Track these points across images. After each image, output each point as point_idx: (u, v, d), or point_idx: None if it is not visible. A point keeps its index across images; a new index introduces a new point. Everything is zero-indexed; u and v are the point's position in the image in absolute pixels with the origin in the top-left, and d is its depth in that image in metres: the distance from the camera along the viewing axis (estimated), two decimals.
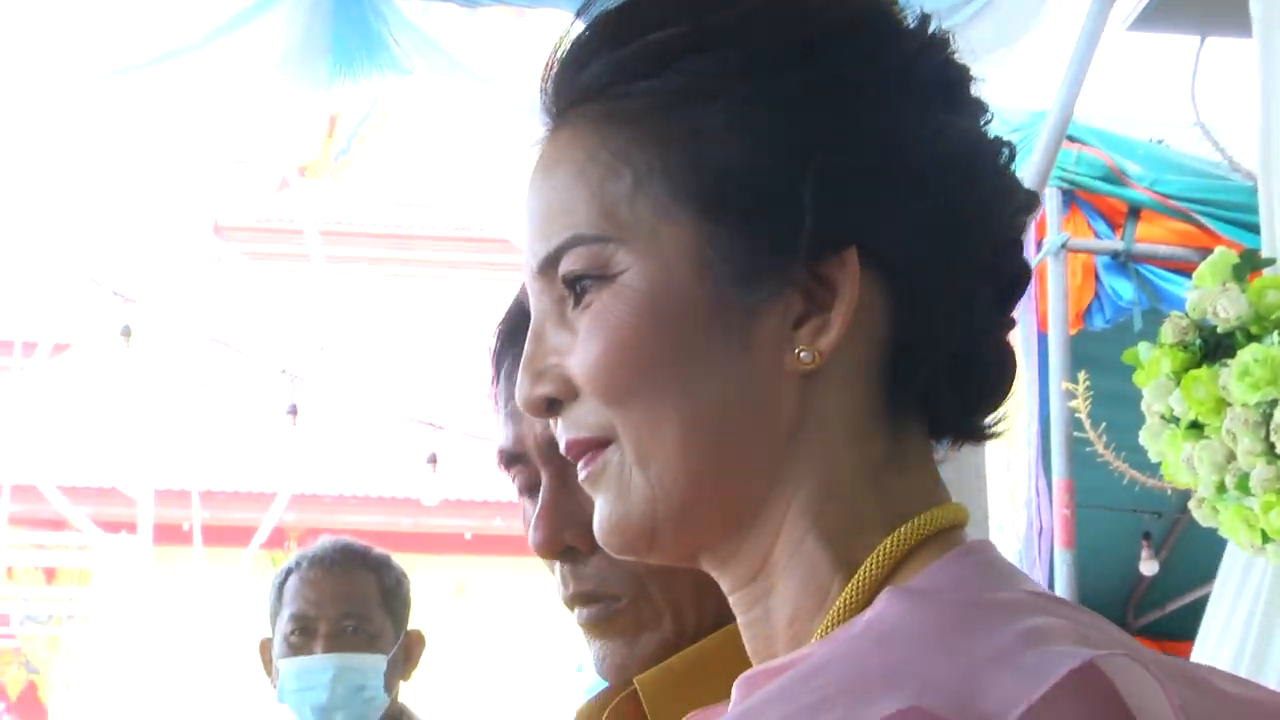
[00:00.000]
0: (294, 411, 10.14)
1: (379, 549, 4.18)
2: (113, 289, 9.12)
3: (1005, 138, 1.26)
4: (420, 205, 14.75)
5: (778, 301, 1.18)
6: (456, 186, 6.69)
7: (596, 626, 1.68)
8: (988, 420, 1.28)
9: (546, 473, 1.70)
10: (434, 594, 3.96)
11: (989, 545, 1.20)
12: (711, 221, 1.17)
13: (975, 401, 1.26)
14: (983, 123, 1.25)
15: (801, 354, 1.17)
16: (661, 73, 1.20)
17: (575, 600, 1.69)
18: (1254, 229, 5.42)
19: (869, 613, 1.11)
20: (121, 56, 5.97)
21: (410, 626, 4.11)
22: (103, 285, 9.20)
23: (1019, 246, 1.27)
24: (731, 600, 1.26)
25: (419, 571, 4.23)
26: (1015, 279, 1.26)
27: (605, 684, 1.76)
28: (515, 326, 1.74)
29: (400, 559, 4.18)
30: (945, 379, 1.23)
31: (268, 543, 12.59)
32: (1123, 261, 6.08)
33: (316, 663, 3.90)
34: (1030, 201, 1.27)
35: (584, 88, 1.22)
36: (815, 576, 1.19)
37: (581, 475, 1.23)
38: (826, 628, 1.16)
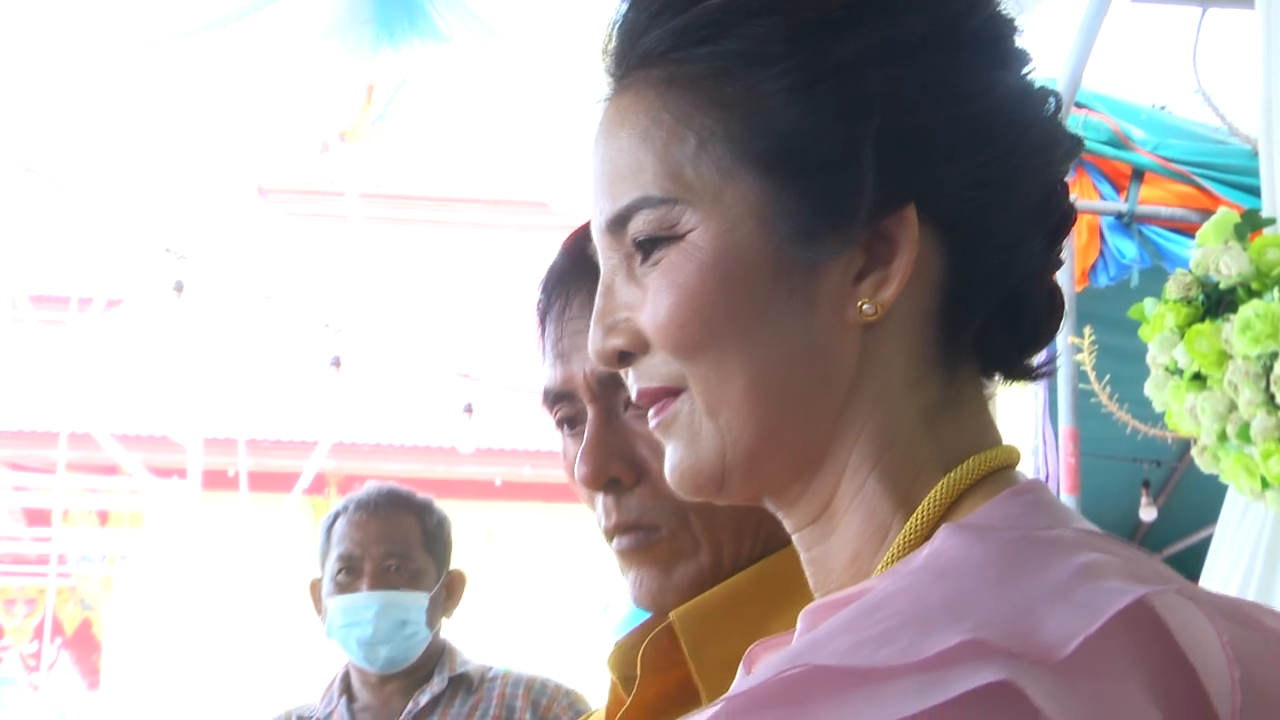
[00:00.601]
0: (337, 363, 10.16)
1: (422, 494, 4.20)
2: (165, 246, 9.13)
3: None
4: (454, 169, 14.75)
5: (839, 257, 1.17)
6: (491, 150, 6.70)
7: (635, 555, 1.68)
8: (1036, 360, 1.28)
9: (593, 410, 1.69)
10: (466, 538, 3.99)
11: (1041, 484, 1.19)
12: (773, 182, 1.17)
13: (1027, 341, 1.26)
14: (1027, 72, 1.23)
15: (864, 306, 1.17)
16: (719, 39, 1.18)
17: (616, 530, 1.68)
18: (1251, 191, 5.43)
19: (927, 548, 1.11)
20: (176, 23, 5.98)
21: (452, 568, 4.14)
22: (156, 243, 9.21)
23: (1065, 189, 1.26)
24: (795, 538, 1.26)
25: (451, 517, 4.24)
26: (1062, 220, 1.25)
27: (631, 622, 1.76)
28: (558, 279, 1.76)
29: None
30: (998, 321, 1.23)
31: (309, 489, 12.59)
32: (1126, 222, 6.08)
33: (362, 599, 3.94)
34: (1075, 147, 1.27)
35: (644, 54, 1.21)
36: (876, 517, 1.20)
37: (653, 423, 1.23)
38: (886, 563, 1.16)
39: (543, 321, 1.77)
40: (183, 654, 13.80)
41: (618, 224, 1.21)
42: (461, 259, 15.60)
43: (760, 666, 1.28)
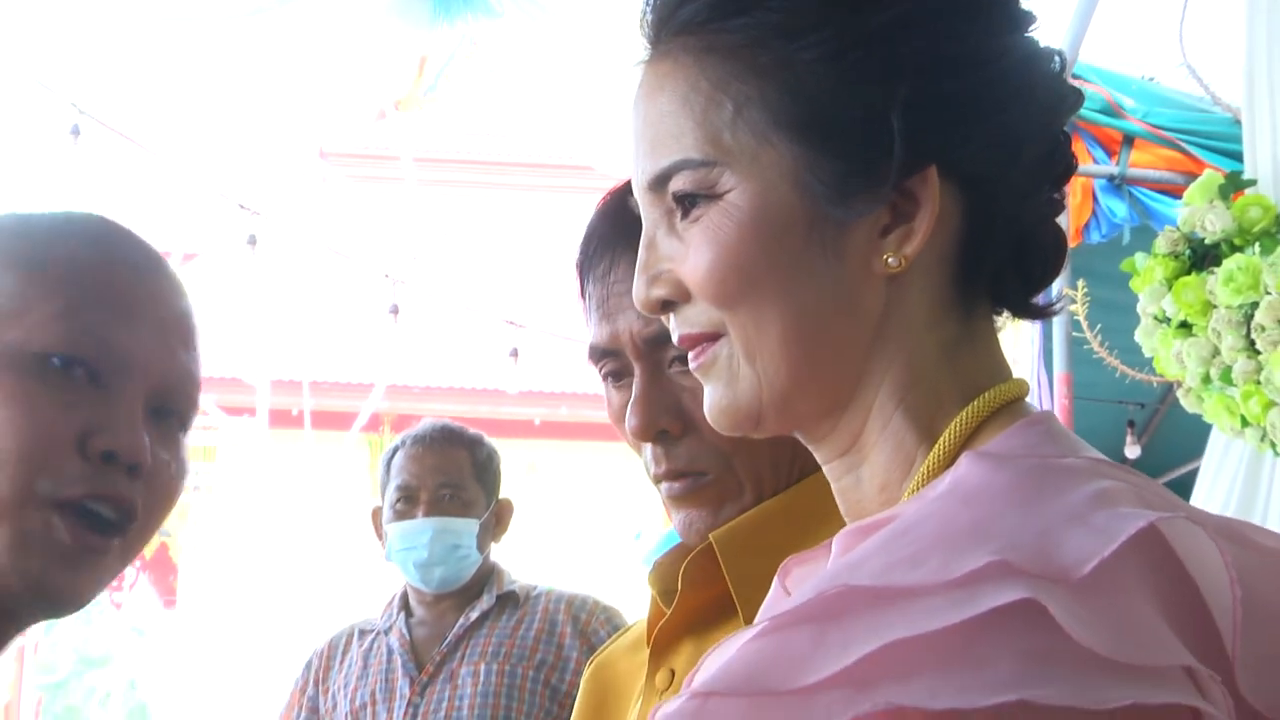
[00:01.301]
0: (394, 311, 10.15)
1: (473, 429, 4.21)
2: (239, 203, 9.12)
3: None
4: (501, 135, 14.73)
5: (866, 216, 1.17)
6: (537, 117, 6.70)
7: (685, 499, 1.69)
8: (1041, 299, 1.28)
9: (640, 367, 1.69)
10: (509, 472, 4.01)
11: (1051, 415, 1.20)
12: (806, 146, 1.17)
13: (1036, 281, 1.26)
14: (1032, 31, 1.23)
15: (889, 259, 1.18)
16: (754, 9, 1.18)
17: (666, 476, 1.69)
18: (1233, 155, 5.42)
19: (950, 475, 1.12)
20: (254, 6, 5.97)
21: (501, 496, 4.16)
22: (230, 200, 9.21)
23: (1068, 140, 1.26)
24: (826, 469, 1.27)
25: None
26: (1066, 169, 1.26)
27: (662, 547, 1.77)
28: (601, 242, 1.75)
29: None
30: (1010, 264, 1.24)
31: (366, 426, 12.59)
32: (1117, 184, 6.07)
33: (417, 525, 3.96)
34: (1077, 100, 1.27)
35: (682, 23, 1.21)
36: (903, 448, 1.21)
37: (693, 365, 1.23)
38: (912, 490, 1.18)
39: (585, 281, 1.77)
40: (251, 576, 13.85)
41: (659, 183, 1.21)
42: (508, 217, 15.58)
43: (801, 587, 1.29)
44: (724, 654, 1.06)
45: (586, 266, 1.77)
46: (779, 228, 1.17)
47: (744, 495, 1.67)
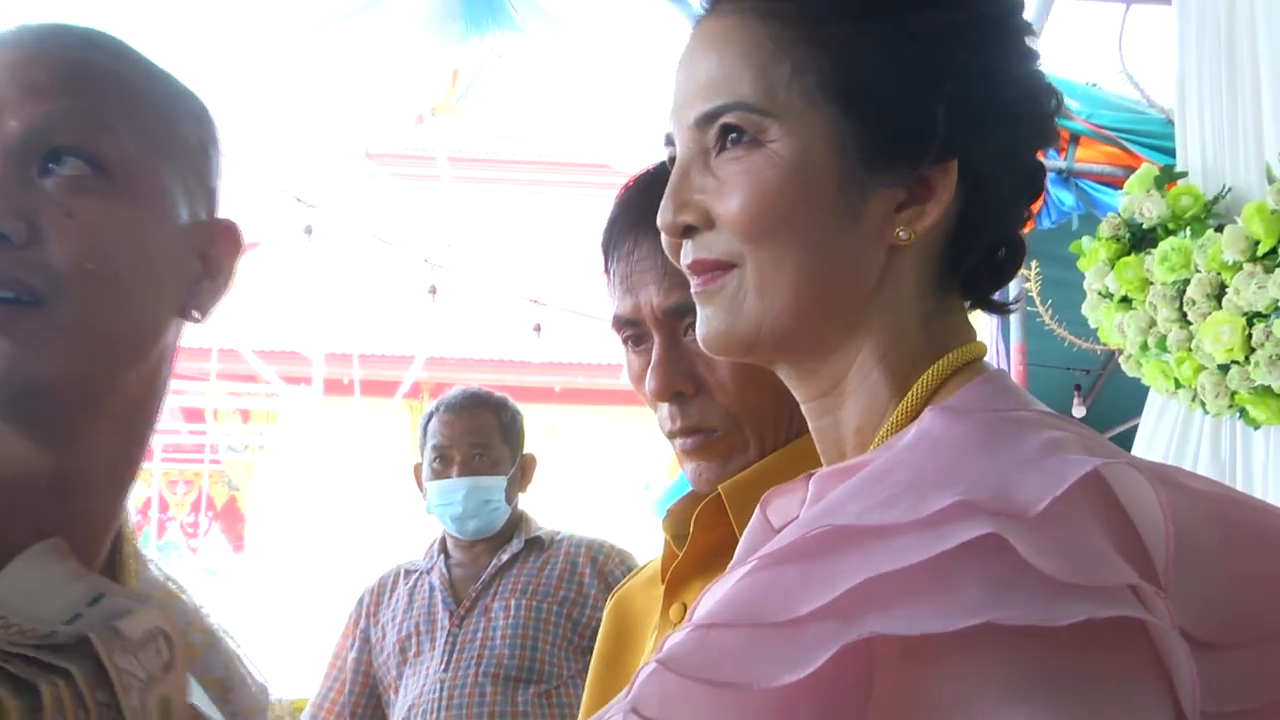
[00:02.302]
0: (432, 291, 10.16)
1: (499, 394, 4.22)
2: (296, 197, 9.13)
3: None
4: (524, 137, 14.72)
5: (888, 189, 1.17)
6: (557, 121, 6.70)
7: (697, 452, 1.70)
8: (999, 296, 1.29)
9: (659, 335, 1.69)
10: (532, 433, 4.03)
11: (1003, 373, 1.22)
12: (850, 118, 1.16)
13: (1000, 279, 1.27)
14: (1038, 67, 1.24)
15: (900, 232, 1.18)
16: None
17: (680, 433, 1.70)
18: (1166, 151, 5.45)
19: (915, 426, 1.13)
20: (311, 17, 5.97)
21: (525, 452, 4.17)
22: (288, 195, 9.22)
23: (1044, 169, 1.27)
24: (806, 408, 1.27)
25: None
26: (1038, 190, 1.26)
27: (670, 497, 1.77)
28: (625, 226, 1.75)
29: None
30: (983, 261, 1.25)
31: (408, 393, 12.67)
32: (1065, 177, 6.10)
33: (453, 484, 3.97)
34: (1056, 136, 1.28)
35: None
36: (877, 400, 1.21)
37: (698, 288, 1.22)
38: (883, 437, 1.18)
39: (609, 259, 1.77)
40: (309, 524, 13.88)
41: (707, 120, 1.19)
42: (532, 209, 15.60)
43: (781, 515, 1.30)
44: (721, 589, 1.05)
45: (610, 247, 1.77)
46: (813, 181, 1.16)
47: (749, 450, 1.68)
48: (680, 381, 1.68)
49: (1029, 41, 1.23)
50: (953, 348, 1.21)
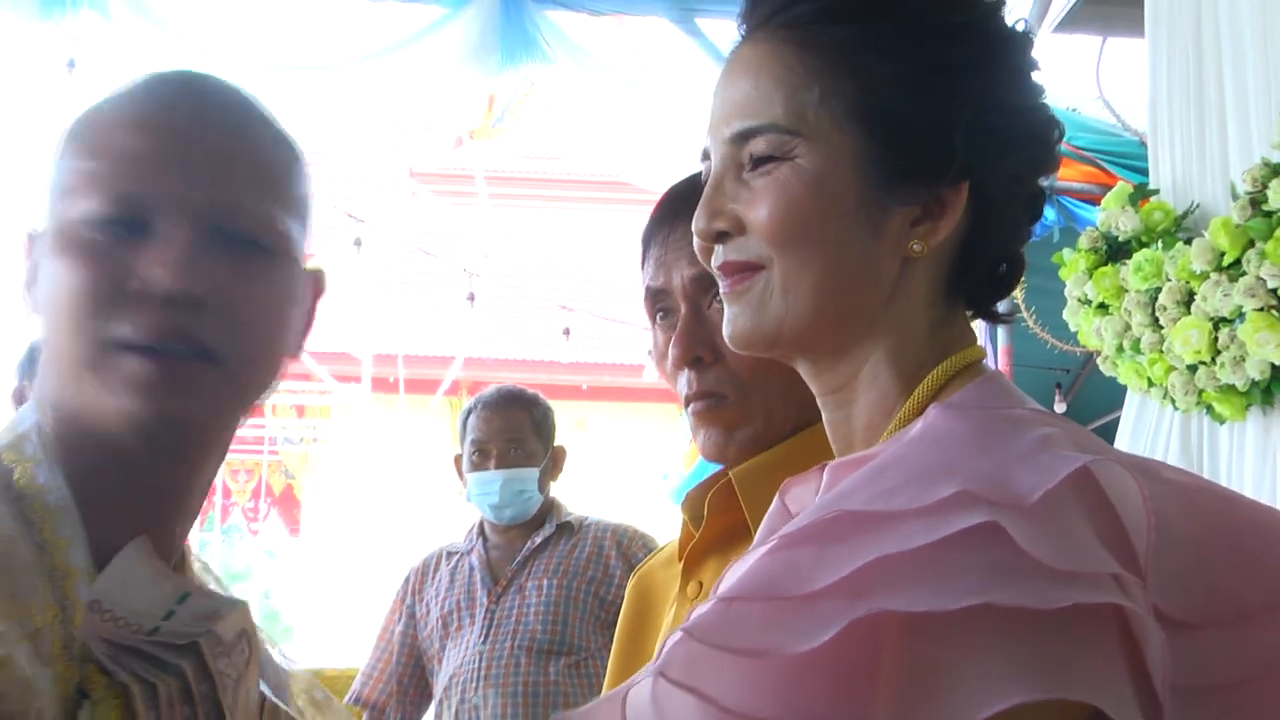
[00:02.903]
0: (471, 298, 10.18)
1: (532, 391, 4.24)
2: (347, 213, 9.15)
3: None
4: (554, 158, 14.71)
5: (905, 206, 1.19)
6: (584, 144, 6.71)
7: (707, 416, 1.71)
8: (1000, 308, 1.32)
9: (685, 306, 1.71)
10: (562, 428, 4.02)
11: (999, 373, 1.23)
12: (873, 140, 1.17)
13: (1000, 292, 1.28)
14: (1044, 100, 1.25)
15: (914, 245, 1.19)
16: (854, 23, 1.19)
17: (695, 397, 1.71)
18: (1140, 171, 5.45)
19: (921, 422, 1.13)
20: (360, 49, 5.98)
21: (555, 444, 4.18)
22: (339, 211, 9.24)
23: (1044, 192, 1.28)
24: (821, 401, 1.27)
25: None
26: (1039, 214, 1.27)
27: (689, 483, 1.78)
28: (664, 216, 1.77)
29: None
30: (986, 275, 1.26)
31: (448, 391, 12.65)
32: (1048, 194, 6.07)
33: (490, 476, 4.00)
34: (1057, 164, 1.28)
35: (789, 18, 1.21)
36: (887, 398, 1.22)
37: (728, 289, 1.23)
38: (891, 431, 1.19)
39: (648, 245, 1.79)
40: (360, 509, 13.89)
41: (741, 138, 1.20)
42: (561, 224, 15.58)
43: (798, 503, 1.31)
44: (743, 566, 1.06)
45: (651, 234, 1.79)
46: (836, 195, 1.17)
47: (755, 421, 1.69)
48: (700, 347, 1.69)
49: (1035, 77, 1.24)
50: (956, 351, 1.22)
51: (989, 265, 1.26)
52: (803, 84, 1.18)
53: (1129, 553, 1.02)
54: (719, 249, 1.23)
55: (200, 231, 1.24)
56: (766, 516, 1.35)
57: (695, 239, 1.26)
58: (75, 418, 1.25)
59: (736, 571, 1.06)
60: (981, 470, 1.03)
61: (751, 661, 0.99)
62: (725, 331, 1.24)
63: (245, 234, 1.27)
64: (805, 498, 1.32)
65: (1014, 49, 1.23)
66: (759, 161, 1.19)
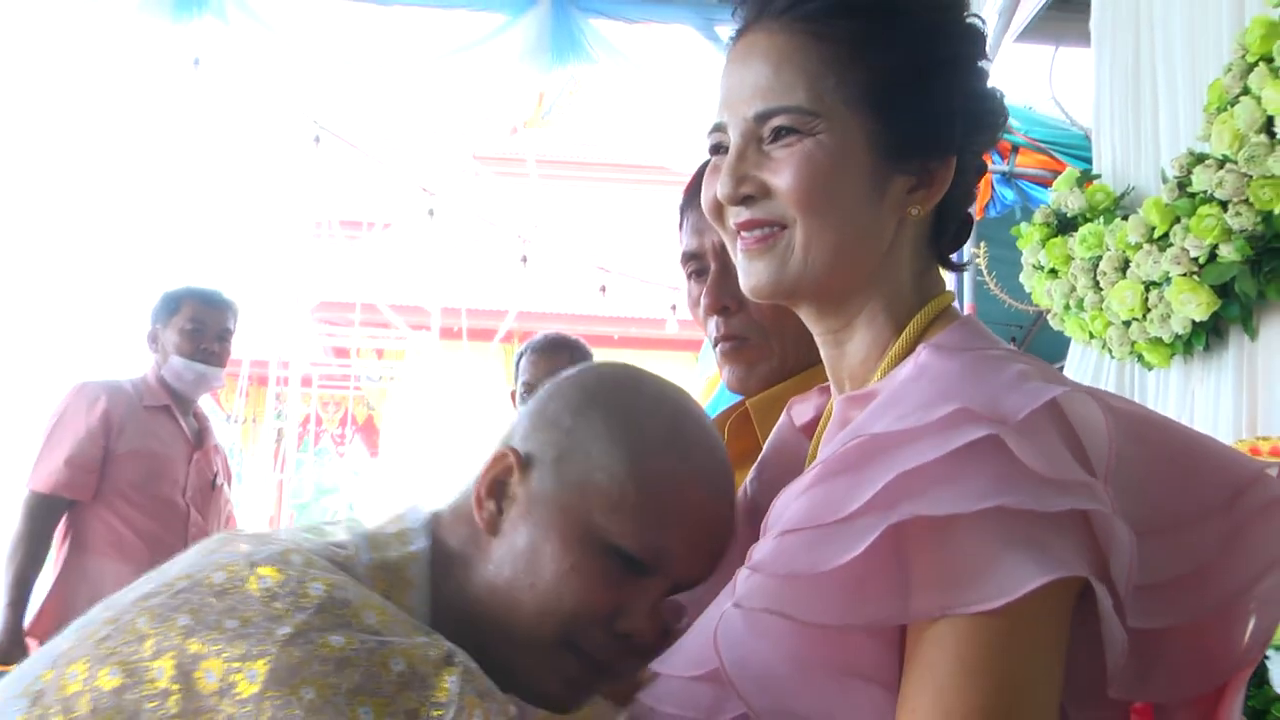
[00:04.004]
0: (524, 260, 10.19)
1: (574, 338, 4.22)
2: (422, 187, 9.16)
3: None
4: (596, 144, 14.66)
5: (905, 176, 1.19)
6: (623, 132, 6.71)
7: (732, 355, 1.72)
8: (956, 258, 1.33)
9: (714, 265, 1.72)
10: None
11: (973, 317, 1.24)
12: (880, 122, 1.17)
13: (957, 246, 1.29)
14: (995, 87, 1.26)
15: (912, 210, 1.20)
16: (868, 20, 1.19)
17: (722, 339, 1.72)
18: (1084, 159, 5.47)
19: (913, 360, 1.15)
20: (434, 49, 5.97)
21: None
22: (415, 186, 9.25)
23: (985, 164, 1.30)
24: (820, 338, 1.27)
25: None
26: (978, 181, 1.28)
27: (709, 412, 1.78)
28: (691, 194, 1.76)
29: None
30: (952, 232, 1.28)
31: (503, 339, 12.68)
32: (1007, 178, 6.08)
33: None
34: (997, 141, 1.30)
35: (807, 14, 1.19)
36: (880, 337, 1.23)
37: (753, 242, 1.21)
38: (884, 368, 1.20)
39: (684, 214, 1.78)
40: (428, 435, 13.95)
41: (763, 117, 1.19)
42: (601, 200, 15.52)
43: (803, 417, 1.36)
44: (791, 499, 1.09)
45: (686, 206, 1.78)
46: (849, 167, 1.17)
47: (771, 359, 1.70)
48: (727, 298, 1.69)
49: (988, 67, 1.25)
50: (933, 297, 1.23)
51: (957, 224, 1.27)
52: (819, 73, 1.17)
53: (1090, 470, 1.05)
54: (738, 209, 1.22)
55: (669, 588, 1.23)
56: (775, 429, 1.39)
57: (709, 202, 1.25)
58: (492, 621, 1.21)
59: (786, 504, 1.10)
60: (975, 395, 1.05)
61: (808, 580, 1.03)
62: (746, 284, 1.23)
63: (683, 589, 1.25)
64: (806, 412, 1.36)
65: (980, 44, 1.24)
66: (779, 134, 1.18)
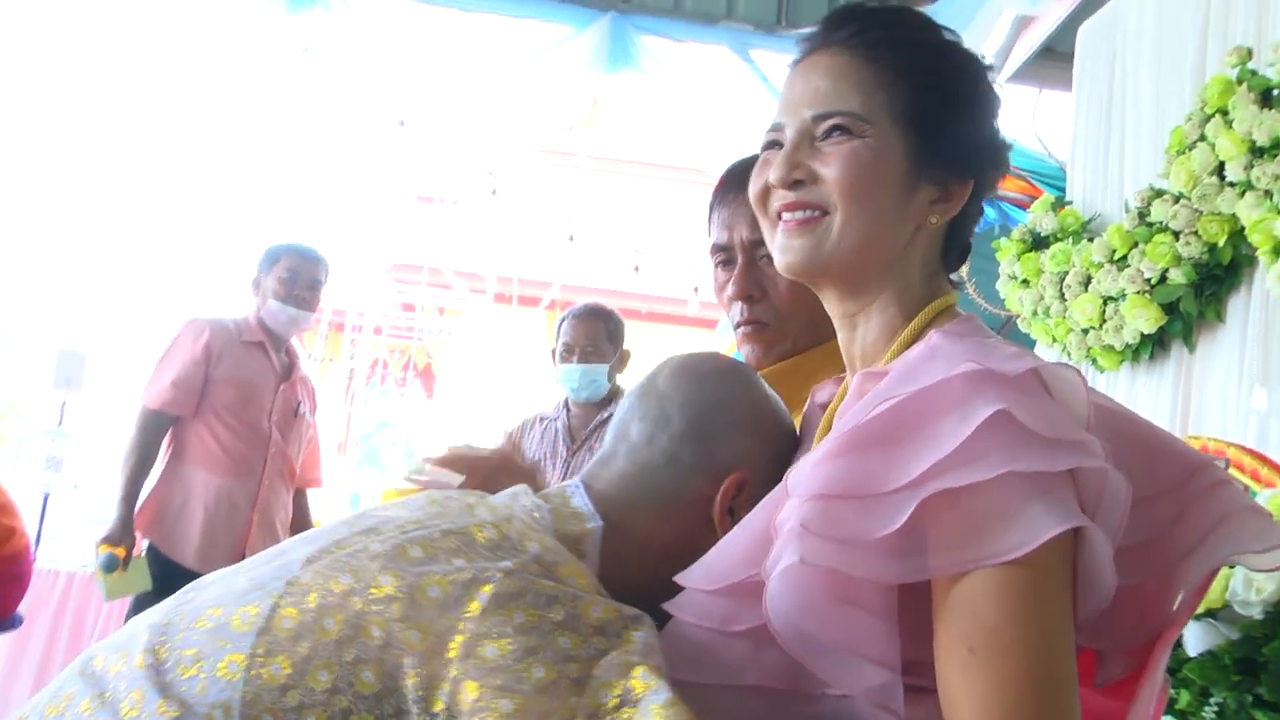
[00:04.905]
0: (571, 238, 10.19)
1: (608, 308, 4.22)
2: (488, 170, 9.17)
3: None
4: (640, 145, 14.60)
5: (931, 187, 1.19)
6: (666, 135, 6.69)
7: (753, 337, 1.70)
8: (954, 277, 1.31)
9: (742, 257, 1.70)
10: (627, 339, 4.06)
11: (973, 315, 1.23)
12: (918, 138, 1.18)
13: (958, 264, 1.28)
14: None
15: (933, 219, 1.20)
16: (916, 53, 1.20)
17: (744, 323, 1.70)
18: (1059, 187, 5.44)
19: (924, 343, 1.15)
20: (507, 56, 5.96)
21: (623, 348, 4.18)
22: (481, 168, 9.26)
23: (989, 200, 1.31)
24: (837, 319, 1.27)
25: None
26: (983, 211, 1.27)
27: None
28: (725, 187, 1.74)
29: None
30: (957, 250, 1.27)
31: (548, 306, 12.67)
32: (991, 199, 6.02)
33: (574, 368, 4.00)
34: (1003, 177, 1.29)
35: (866, 40, 1.20)
36: (891, 325, 1.22)
37: (795, 224, 1.21)
38: (894, 352, 1.20)
39: (713, 209, 1.76)
40: (478, 384, 13.99)
41: (820, 118, 1.19)
42: (643, 194, 15.48)
43: (824, 399, 1.35)
44: (819, 461, 1.08)
45: (717, 200, 1.76)
46: (888, 171, 1.17)
47: (786, 342, 1.68)
48: (752, 287, 1.68)
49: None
50: (939, 296, 1.23)
51: (964, 240, 1.27)
52: (872, 89, 1.18)
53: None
54: (785, 193, 1.21)
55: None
56: (803, 418, 1.38)
57: (757, 188, 1.25)
58: (649, 601, 1.15)
59: (816, 466, 1.08)
60: (982, 361, 1.07)
61: (851, 545, 1.03)
62: (781, 261, 1.22)
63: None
64: (825, 393, 1.36)
65: (998, 99, 1.24)
66: (831, 133, 1.18)
